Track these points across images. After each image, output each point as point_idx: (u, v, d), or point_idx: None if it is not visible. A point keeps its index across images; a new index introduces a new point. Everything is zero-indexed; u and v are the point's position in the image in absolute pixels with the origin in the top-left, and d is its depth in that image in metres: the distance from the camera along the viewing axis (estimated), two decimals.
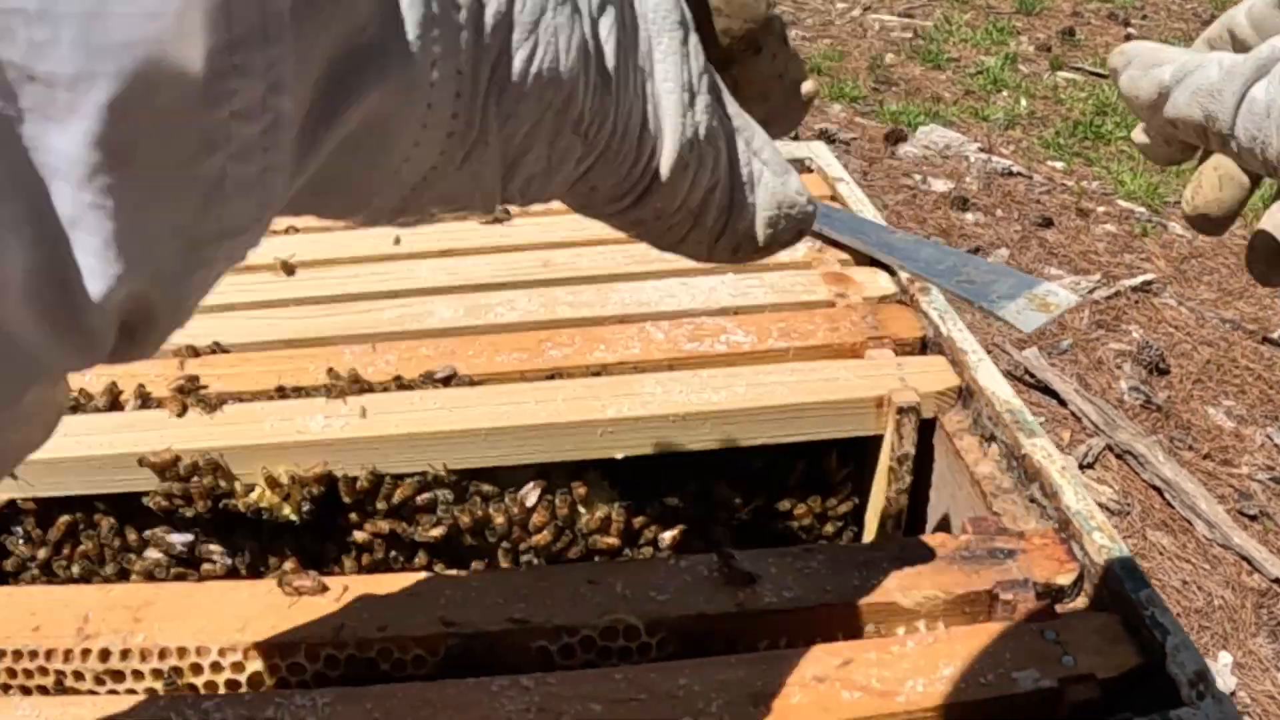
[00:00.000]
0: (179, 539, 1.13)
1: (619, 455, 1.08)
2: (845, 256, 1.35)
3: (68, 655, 0.85)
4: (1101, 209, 4.35)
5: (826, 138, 4.79)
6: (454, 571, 1.11)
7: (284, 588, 0.90)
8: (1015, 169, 4.54)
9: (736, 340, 1.18)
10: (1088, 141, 4.74)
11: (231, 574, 1.13)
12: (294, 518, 1.08)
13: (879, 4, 5.83)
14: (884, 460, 1.13)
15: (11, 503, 1.10)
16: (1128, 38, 5.29)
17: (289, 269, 1.38)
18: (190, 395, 1.13)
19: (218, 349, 1.22)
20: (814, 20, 5.70)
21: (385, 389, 1.14)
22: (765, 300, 1.26)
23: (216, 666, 0.86)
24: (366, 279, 1.33)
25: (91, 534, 1.10)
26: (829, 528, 1.20)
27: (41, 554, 1.12)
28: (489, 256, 1.36)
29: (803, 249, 1.35)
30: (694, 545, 1.13)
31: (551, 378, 1.14)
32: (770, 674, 0.81)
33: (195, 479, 1.06)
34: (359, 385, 1.13)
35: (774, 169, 0.52)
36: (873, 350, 1.18)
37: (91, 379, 1.17)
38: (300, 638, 0.87)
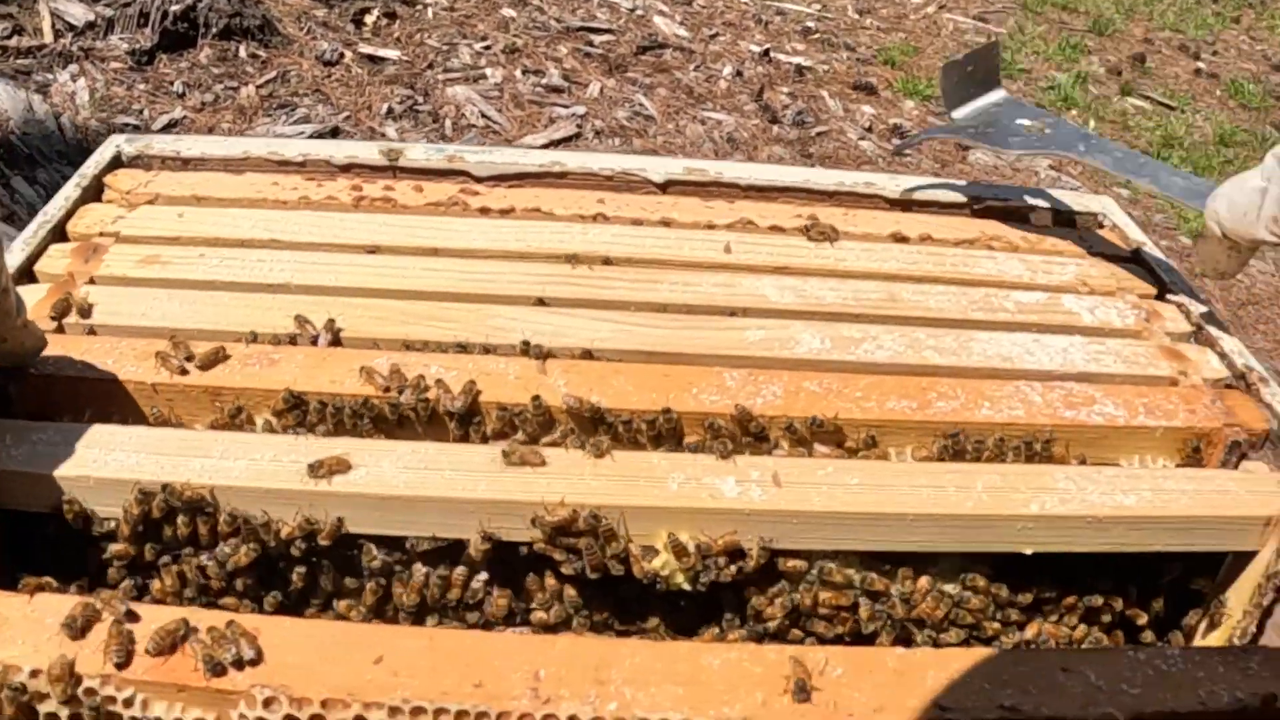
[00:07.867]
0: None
1: (1029, 551, 1.08)
2: (1171, 329, 1.34)
3: None
4: (1165, 243, 4.40)
5: (899, 133, 4.78)
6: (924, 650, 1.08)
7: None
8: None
9: (1110, 413, 1.18)
10: None
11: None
12: (687, 587, 1.04)
13: (953, 4, 5.80)
14: (1254, 576, 1.13)
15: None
16: (1197, 72, 5.33)
17: (605, 261, 1.34)
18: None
19: (588, 356, 1.18)
20: (889, 12, 5.65)
21: (776, 444, 1.12)
22: (1116, 369, 1.26)
23: None
24: (709, 289, 1.30)
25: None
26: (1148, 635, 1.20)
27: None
28: (829, 280, 1.33)
29: (1132, 317, 1.35)
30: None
31: (956, 435, 1.13)
32: None
33: (588, 539, 1.00)
34: (752, 433, 1.11)
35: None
36: (1249, 463, 1.18)
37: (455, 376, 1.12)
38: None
